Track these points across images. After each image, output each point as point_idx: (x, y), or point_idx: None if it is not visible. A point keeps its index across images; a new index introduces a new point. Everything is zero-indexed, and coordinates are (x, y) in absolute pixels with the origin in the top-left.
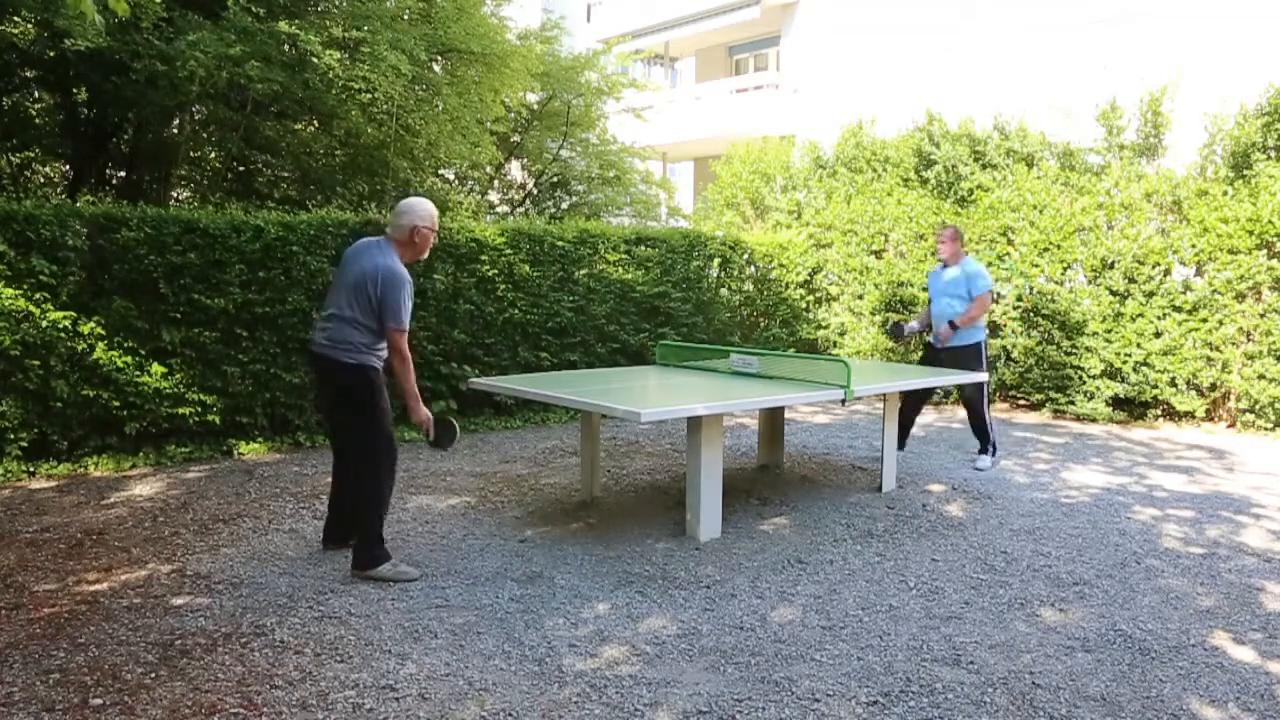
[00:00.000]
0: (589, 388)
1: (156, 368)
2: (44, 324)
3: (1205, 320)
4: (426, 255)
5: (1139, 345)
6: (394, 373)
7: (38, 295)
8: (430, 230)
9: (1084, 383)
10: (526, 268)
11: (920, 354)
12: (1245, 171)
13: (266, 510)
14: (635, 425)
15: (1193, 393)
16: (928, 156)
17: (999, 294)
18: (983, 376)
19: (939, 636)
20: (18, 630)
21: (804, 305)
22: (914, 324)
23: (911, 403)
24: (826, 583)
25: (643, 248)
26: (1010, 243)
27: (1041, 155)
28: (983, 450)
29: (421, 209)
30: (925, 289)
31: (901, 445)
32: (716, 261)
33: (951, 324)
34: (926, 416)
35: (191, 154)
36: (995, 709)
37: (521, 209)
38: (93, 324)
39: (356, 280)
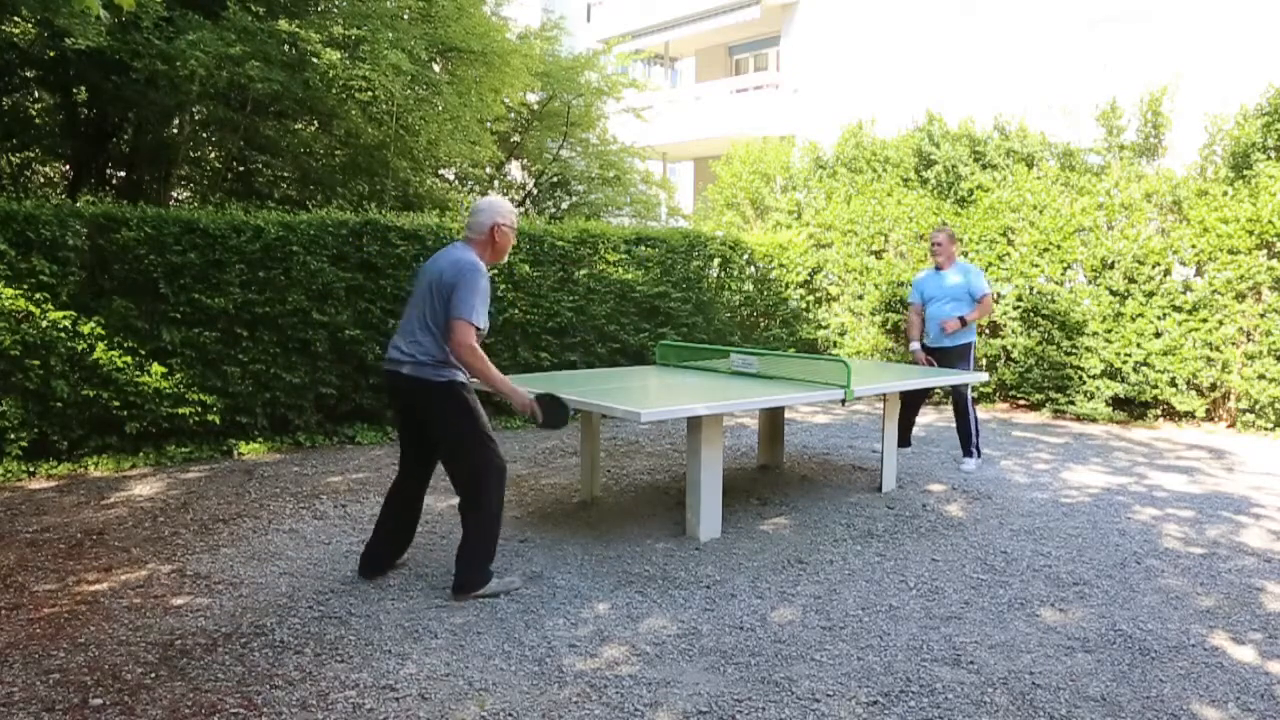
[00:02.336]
0: (589, 388)
1: (156, 368)
2: (44, 324)
3: (1205, 320)
4: (505, 259)
5: (1139, 345)
6: (469, 369)
7: (38, 295)
8: (510, 228)
9: (1084, 383)
10: (526, 268)
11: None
12: (1245, 171)
13: (266, 510)
14: (635, 425)
15: (1193, 393)
16: (928, 156)
17: (999, 294)
18: (983, 376)
19: (939, 636)
20: (18, 630)
21: (804, 305)
22: (916, 345)
23: (911, 402)
24: (826, 583)
25: (643, 248)
26: (1010, 243)
27: (1041, 155)
28: (966, 453)
29: (500, 205)
30: (911, 292)
31: (906, 443)
32: (716, 261)
33: (962, 319)
34: (926, 416)
35: (191, 154)
36: (995, 709)
37: (521, 209)
38: (93, 324)
39: (432, 282)
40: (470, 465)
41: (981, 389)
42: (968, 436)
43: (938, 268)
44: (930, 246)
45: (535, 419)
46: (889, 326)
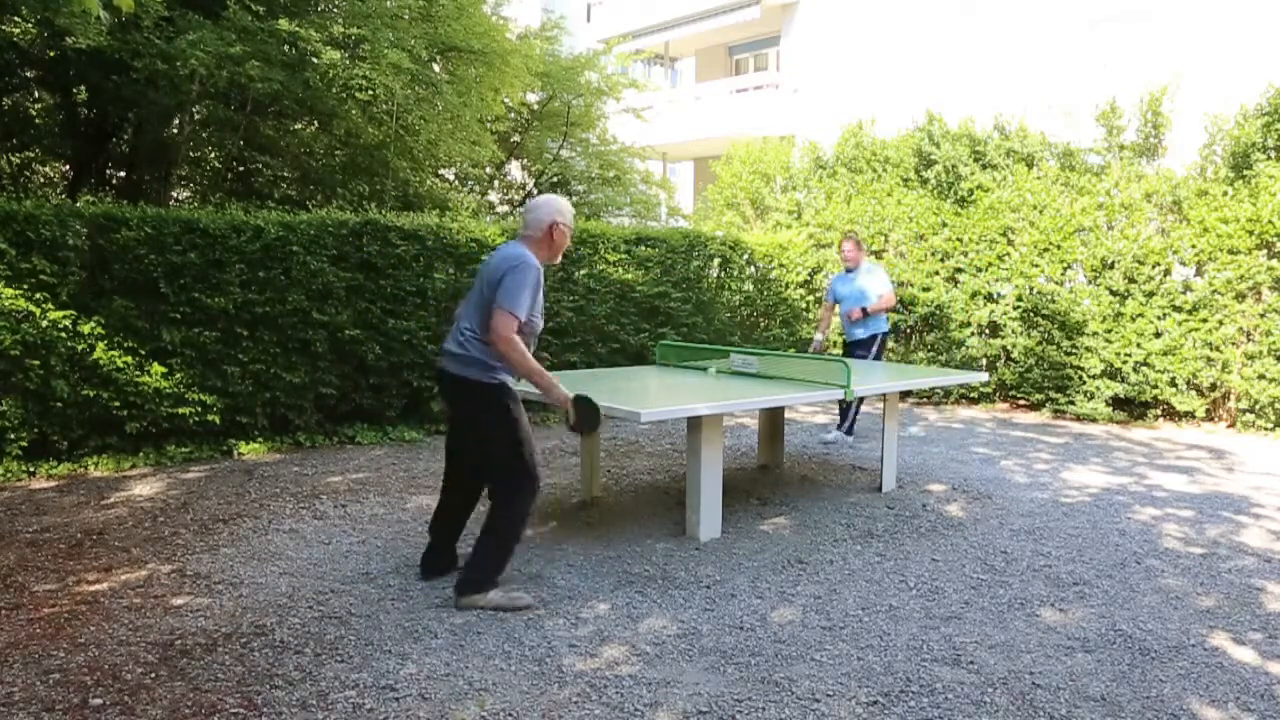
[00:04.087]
0: (589, 388)
1: (156, 368)
2: (44, 324)
3: (1205, 320)
4: (559, 260)
5: (1139, 345)
6: (507, 361)
7: (38, 295)
8: (568, 227)
9: (1084, 383)
10: None
11: (841, 351)
12: (1245, 171)
13: (266, 510)
14: (635, 425)
15: (1193, 393)
16: (928, 156)
17: (999, 294)
18: (983, 376)
19: (939, 636)
20: (18, 630)
21: (804, 305)
22: (819, 336)
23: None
24: (826, 583)
25: (643, 248)
26: (1010, 243)
27: (1041, 155)
28: (839, 426)
29: (559, 203)
30: (827, 293)
31: (850, 431)
32: (716, 261)
33: (864, 310)
34: (928, 416)
35: (191, 154)
36: (995, 709)
37: (521, 209)
38: (93, 324)
39: (486, 279)
40: (504, 470)
41: (981, 389)
42: (845, 415)
43: (848, 270)
44: (841, 254)
45: (568, 419)
46: (889, 326)
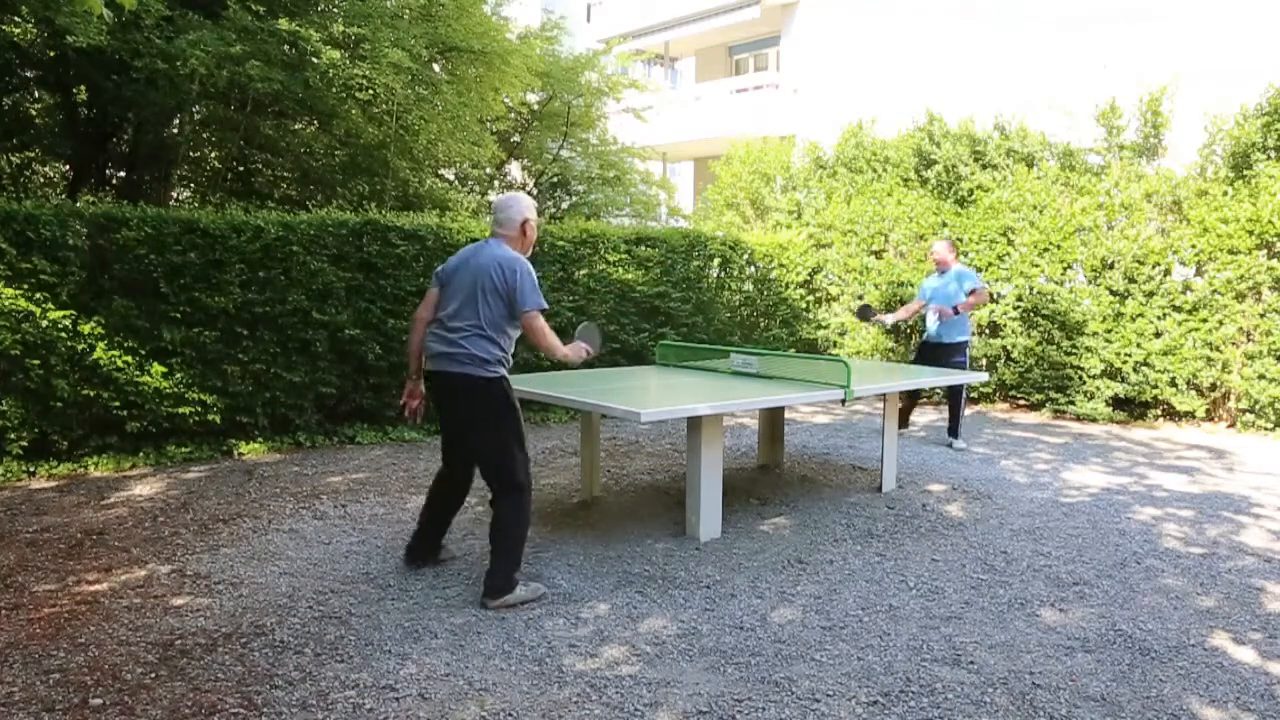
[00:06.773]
0: (589, 388)
1: (157, 367)
2: (44, 324)
3: (1205, 320)
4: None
5: (1139, 345)
6: (546, 350)
7: (38, 295)
8: (535, 224)
9: (1084, 383)
10: None
11: (915, 350)
12: (1245, 171)
13: (266, 510)
14: (635, 425)
15: (1193, 393)
16: (928, 156)
17: (999, 294)
18: (983, 376)
19: (939, 636)
20: (18, 630)
21: (804, 305)
22: (885, 317)
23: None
24: (826, 583)
25: (643, 248)
26: (1010, 243)
27: (1041, 155)
28: (954, 434)
29: (525, 199)
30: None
31: (905, 424)
32: (716, 261)
33: (955, 308)
34: (927, 416)
35: (191, 154)
36: (995, 709)
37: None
38: (93, 324)
39: (477, 280)
40: (506, 464)
41: (981, 389)
42: (957, 420)
43: (940, 272)
44: (931, 256)
45: (591, 354)
46: (889, 326)
